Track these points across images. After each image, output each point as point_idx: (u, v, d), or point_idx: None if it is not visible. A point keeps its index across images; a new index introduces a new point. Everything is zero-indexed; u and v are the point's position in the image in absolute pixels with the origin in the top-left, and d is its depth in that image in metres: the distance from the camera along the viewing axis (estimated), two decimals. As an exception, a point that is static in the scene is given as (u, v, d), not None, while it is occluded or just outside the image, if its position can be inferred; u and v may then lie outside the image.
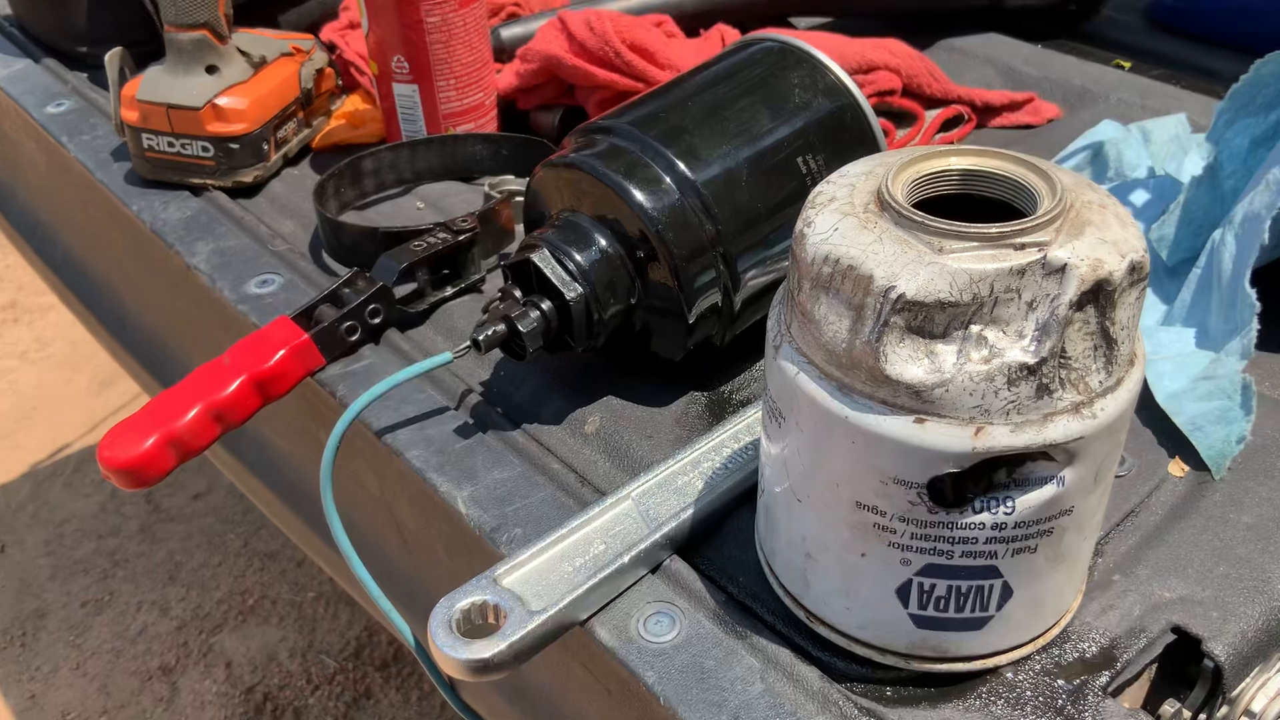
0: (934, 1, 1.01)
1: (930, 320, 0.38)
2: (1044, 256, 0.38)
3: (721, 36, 0.85)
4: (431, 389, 0.62)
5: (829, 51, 0.85)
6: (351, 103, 0.91)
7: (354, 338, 0.64)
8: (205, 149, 0.79)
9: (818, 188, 0.43)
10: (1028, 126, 0.89)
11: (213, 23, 0.78)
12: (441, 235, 0.68)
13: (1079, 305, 0.38)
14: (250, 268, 0.73)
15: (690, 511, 0.51)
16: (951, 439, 0.39)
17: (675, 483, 0.53)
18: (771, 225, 0.59)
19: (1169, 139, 0.77)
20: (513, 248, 0.73)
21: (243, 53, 0.82)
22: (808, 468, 0.43)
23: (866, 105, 0.62)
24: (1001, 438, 0.39)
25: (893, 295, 0.38)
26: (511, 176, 0.80)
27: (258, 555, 1.67)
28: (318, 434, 0.68)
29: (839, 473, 0.42)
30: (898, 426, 0.39)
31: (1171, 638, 0.47)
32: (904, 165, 0.42)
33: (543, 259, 0.57)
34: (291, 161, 0.86)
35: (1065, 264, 0.38)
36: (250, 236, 0.76)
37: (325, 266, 0.74)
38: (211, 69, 0.80)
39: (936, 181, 0.43)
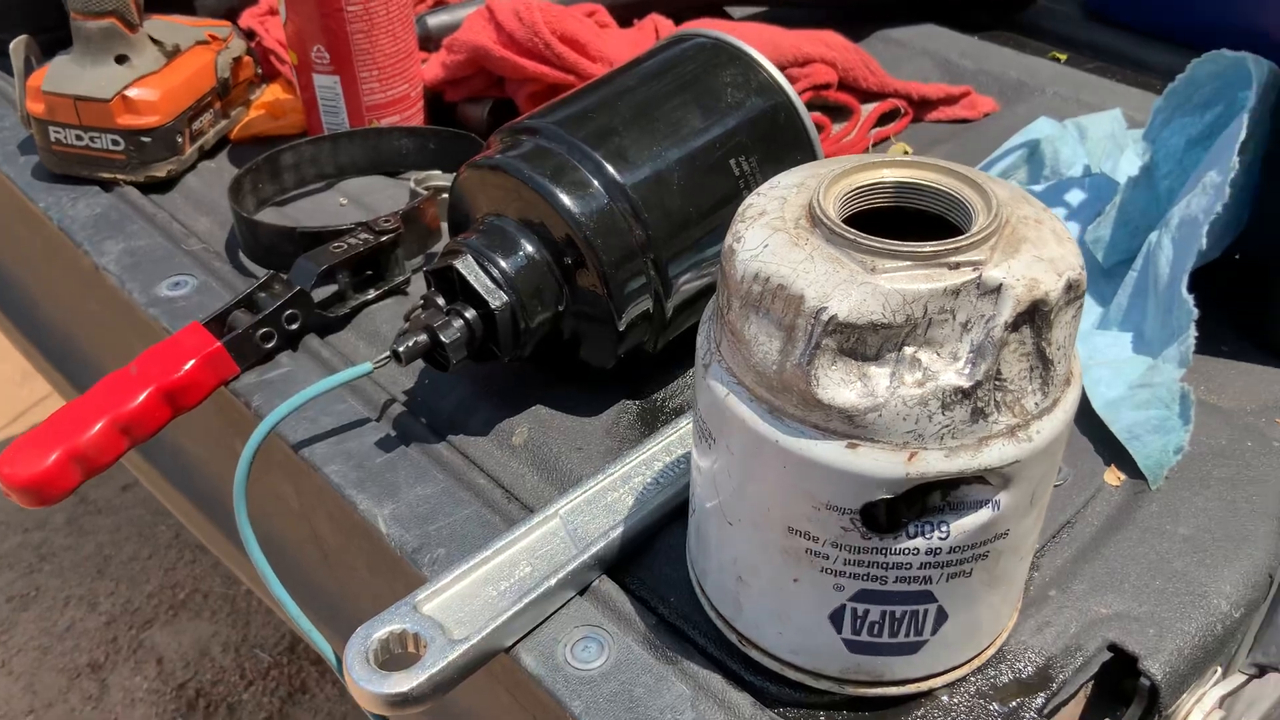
0: (871, -8, 0.99)
1: (863, 342, 0.37)
2: (979, 276, 0.36)
3: (655, 28, 0.83)
4: (352, 399, 0.59)
5: (763, 44, 0.84)
6: (271, 92, 0.88)
7: (270, 345, 0.62)
8: (115, 142, 0.76)
9: (747, 200, 0.42)
10: (964, 120, 0.88)
11: (122, 10, 0.75)
12: (363, 236, 0.66)
13: (1014, 326, 0.37)
14: (162, 268, 0.70)
15: (620, 530, 0.50)
16: (885, 465, 0.37)
17: (605, 499, 0.51)
18: (704, 229, 0.57)
19: (1104, 135, 0.77)
20: (438, 248, 0.71)
21: (155, 41, 0.78)
22: (738, 490, 0.41)
23: (800, 104, 0.61)
24: (936, 463, 0.37)
25: (824, 317, 0.36)
26: (438, 172, 0.77)
27: (189, 548, 1.63)
28: (233, 444, 0.65)
29: (770, 497, 0.40)
30: (830, 451, 0.38)
31: (1108, 656, 0.46)
32: (836, 178, 0.41)
33: (466, 266, 0.55)
34: (208, 154, 0.83)
35: (1000, 284, 0.36)
36: (163, 235, 0.73)
37: (242, 268, 0.71)
38: (121, 59, 0.76)
39: (870, 194, 0.41)
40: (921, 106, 0.88)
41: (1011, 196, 0.40)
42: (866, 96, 0.87)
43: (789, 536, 0.41)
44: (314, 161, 0.78)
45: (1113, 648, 0.46)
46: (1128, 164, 0.71)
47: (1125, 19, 1.04)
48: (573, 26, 0.77)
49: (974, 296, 0.36)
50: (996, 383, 0.37)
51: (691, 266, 0.57)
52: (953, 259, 0.37)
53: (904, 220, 0.41)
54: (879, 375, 0.37)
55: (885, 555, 0.40)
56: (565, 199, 0.54)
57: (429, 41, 0.86)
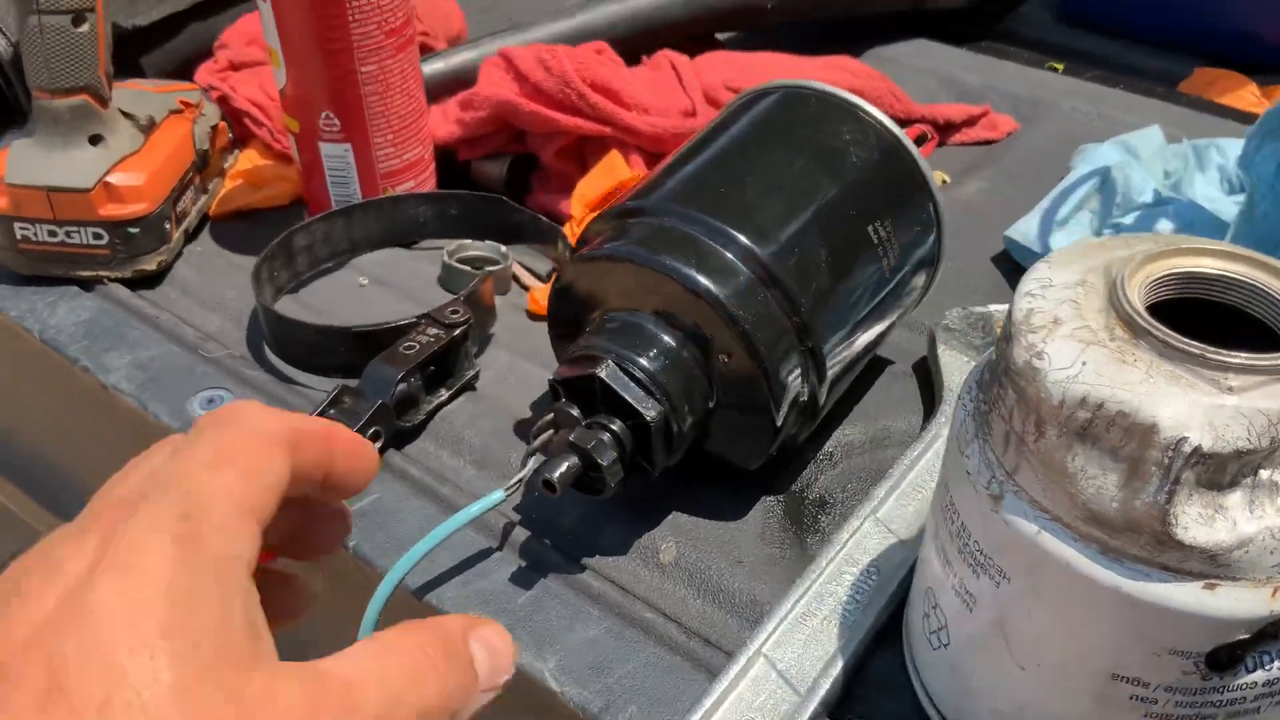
0: (858, 8, 0.95)
1: (1221, 471, 0.32)
2: (1348, 388, 0.32)
3: (672, 64, 0.77)
4: (466, 527, 0.52)
5: (784, 73, 0.79)
6: (248, 159, 0.79)
7: (354, 471, 0.54)
8: (98, 236, 0.66)
9: (1021, 306, 0.36)
10: (987, 142, 0.85)
11: (95, 85, 0.65)
12: (433, 332, 0.58)
13: (1381, 438, 0.33)
14: (185, 382, 0.61)
15: (839, 665, 0.44)
16: (1247, 604, 0.33)
17: (805, 628, 0.46)
18: (851, 308, 0.52)
19: (1153, 156, 0.74)
20: (494, 330, 0.64)
21: (126, 115, 0.69)
22: (1043, 635, 0.37)
23: (920, 157, 0.56)
24: (1304, 597, 0.33)
25: (1185, 448, 0.32)
26: (470, 241, 0.70)
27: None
28: (335, 600, 0.56)
29: (1093, 644, 0.36)
30: (1184, 595, 0.33)
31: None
32: (1135, 270, 0.36)
33: (612, 375, 0.48)
34: (191, 236, 0.73)
35: (1370, 394, 0.32)
36: (173, 340, 0.64)
37: (277, 372, 0.62)
38: (96, 139, 0.66)
39: (1174, 287, 0.37)
40: (945, 130, 0.84)
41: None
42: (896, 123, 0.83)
43: (1110, 684, 0.36)
44: (327, 240, 0.69)
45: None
46: (1204, 187, 0.69)
47: (1102, 22, 1.04)
48: (604, 74, 0.70)
49: (1344, 410, 0.32)
50: (1364, 502, 0.33)
51: (840, 348, 0.52)
52: (1319, 371, 0.33)
53: (1187, 309, 0.37)
54: (1237, 506, 0.33)
55: (1221, 694, 0.36)
56: (714, 287, 0.48)
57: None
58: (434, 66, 0.78)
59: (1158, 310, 0.37)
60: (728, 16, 0.88)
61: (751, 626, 0.48)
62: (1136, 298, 0.35)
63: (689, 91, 0.75)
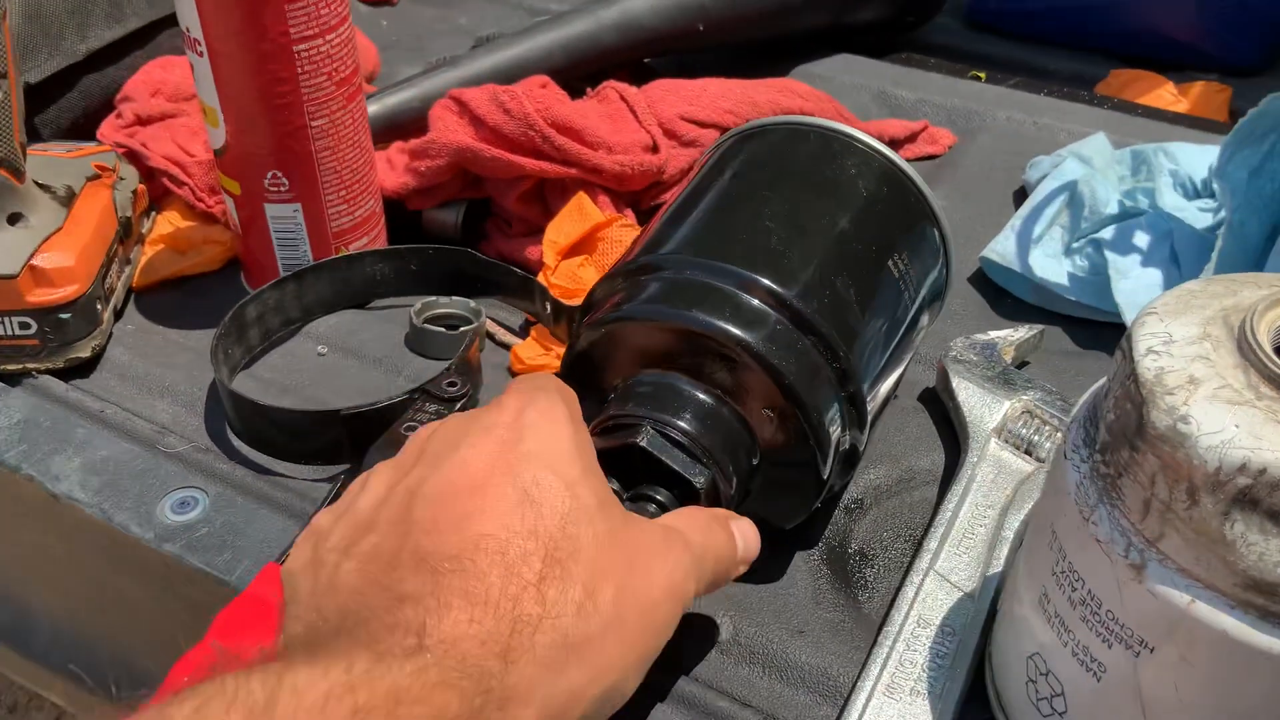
0: (783, 27, 0.94)
1: (1387, 527, 0.31)
2: None
3: (621, 96, 0.74)
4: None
5: (739, 102, 0.77)
6: (167, 220, 0.72)
7: (370, 572, 0.49)
8: (25, 325, 0.59)
9: (1149, 365, 0.35)
10: (930, 157, 0.84)
11: (11, 159, 0.58)
12: (432, 408, 0.54)
13: None
14: (150, 485, 0.55)
15: (940, 740, 0.42)
16: None
17: (895, 702, 0.44)
18: (882, 348, 0.50)
19: (1105, 165, 0.75)
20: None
21: (42, 187, 0.62)
22: (1190, 704, 0.35)
23: (924, 185, 0.55)
24: None
25: (1359, 510, 0.31)
26: (435, 298, 0.65)
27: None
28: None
29: (1248, 709, 0.34)
30: (1354, 656, 0.32)
31: None
32: (1258, 322, 0.35)
33: (653, 442, 0.45)
34: (118, 313, 0.67)
35: None
36: (125, 436, 0.57)
37: (252, 464, 0.57)
38: (15, 218, 0.59)
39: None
40: (890, 146, 0.83)
41: None
42: (842, 145, 0.81)
43: (1262, 746, 0.35)
44: (279, 308, 0.64)
45: None
46: (1170, 196, 0.69)
47: (1009, 27, 1.05)
48: (564, 112, 0.67)
49: None
50: None
51: (875, 390, 0.50)
52: None
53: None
54: (1401, 560, 0.32)
55: (1374, 745, 0.35)
56: (751, 338, 0.45)
57: (359, 140, 0.73)
58: (371, 110, 0.73)
59: None
60: (662, 40, 0.86)
61: (829, 703, 0.45)
62: (1266, 345, 0.34)
63: (645, 125, 0.71)
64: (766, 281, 0.47)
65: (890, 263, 0.51)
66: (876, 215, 0.52)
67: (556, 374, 0.49)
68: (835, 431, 0.48)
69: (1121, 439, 0.35)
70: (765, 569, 0.51)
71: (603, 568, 0.37)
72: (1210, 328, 0.36)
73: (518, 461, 0.37)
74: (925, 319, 0.55)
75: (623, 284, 0.49)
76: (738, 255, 0.48)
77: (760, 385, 0.46)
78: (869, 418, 0.49)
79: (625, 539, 0.38)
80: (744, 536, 0.44)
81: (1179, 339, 0.35)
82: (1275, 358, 0.33)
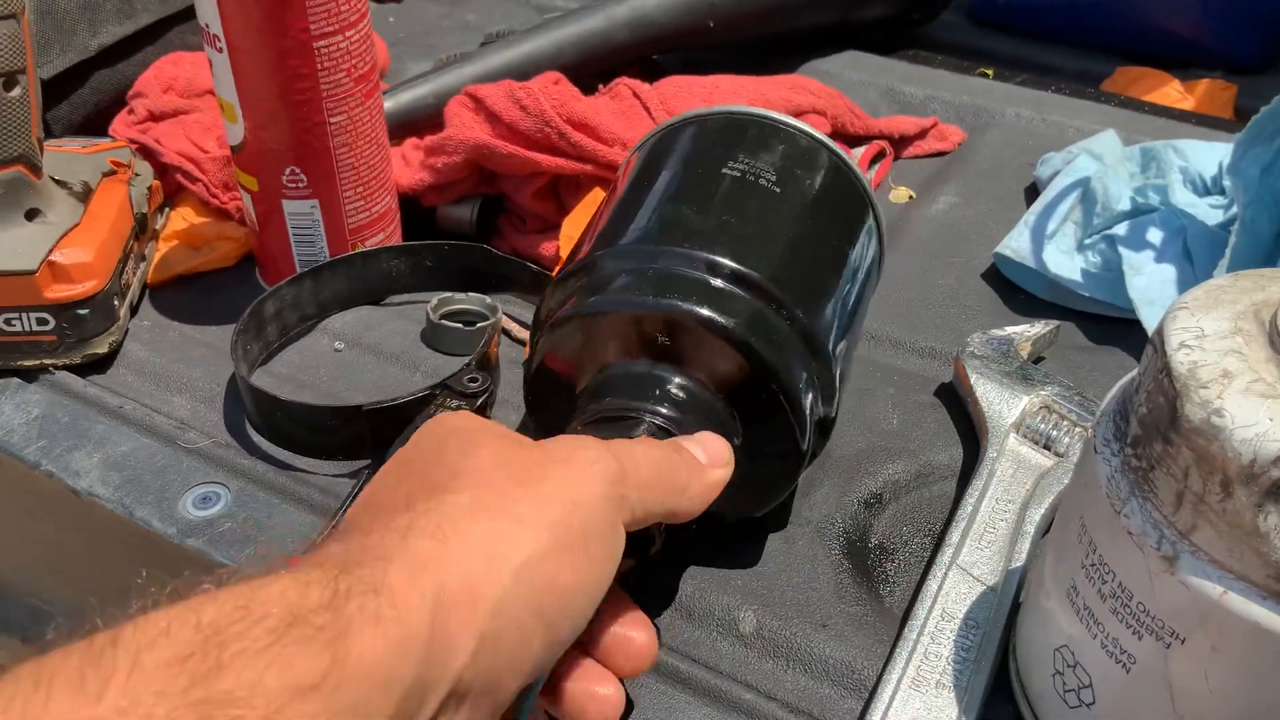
0: (790, 26, 0.94)
1: None
2: None
3: (634, 92, 0.74)
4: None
5: (754, 99, 0.77)
6: (181, 217, 0.72)
7: (395, 567, 0.49)
8: (43, 321, 0.59)
9: (1182, 360, 0.35)
10: (940, 154, 0.85)
11: (29, 155, 0.58)
12: (454, 404, 0.54)
13: None
14: (172, 480, 0.55)
15: (968, 733, 0.43)
16: None
17: (920, 696, 0.44)
18: (839, 313, 0.50)
19: (1117, 162, 0.75)
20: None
21: (59, 183, 0.62)
22: (1221, 694, 0.35)
23: (842, 152, 0.54)
24: None
25: (1393, 501, 0.31)
26: (451, 294, 0.65)
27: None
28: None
29: (1278, 699, 0.35)
30: (1387, 646, 0.33)
31: None
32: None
33: (652, 432, 0.45)
34: (134, 309, 0.67)
35: None
36: (144, 432, 0.57)
37: (271, 458, 0.57)
38: (33, 214, 0.59)
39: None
40: (899, 144, 0.84)
41: None
42: (853, 140, 0.82)
43: (1293, 735, 0.35)
44: (295, 305, 0.64)
45: None
46: (1182, 193, 0.69)
47: (1014, 23, 1.05)
48: (580, 109, 0.67)
49: None
50: None
51: (838, 356, 0.50)
52: None
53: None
54: None
55: (1403, 735, 0.35)
56: (719, 316, 0.45)
57: (372, 136, 0.73)
58: (385, 106, 0.73)
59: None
60: (672, 36, 0.86)
61: (854, 696, 0.46)
62: (1301, 341, 0.34)
63: (658, 122, 0.71)
64: (721, 259, 0.46)
65: (838, 238, 0.52)
66: (813, 189, 0.52)
67: (524, 381, 0.49)
68: (809, 399, 0.47)
69: (1154, 432, 0.36)
70: (787, 564, 0.51)
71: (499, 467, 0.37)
72: (1241, 322, 0.36)
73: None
74: (869, 292, 0.55)
75: (574, 284, 0.49)
76: (687, 238, 0.48)
77: (732, 361, 0.46)
78: (837, 387, 0.49)
79: (526, 454, 0.39)
80: (704, 445, 0.43)
81: (1211, 333, 0.36)
82: (1308, 352, 0.34)
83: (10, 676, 0.27)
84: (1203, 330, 0.36)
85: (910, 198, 0.80)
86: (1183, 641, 0.36)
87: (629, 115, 0.72)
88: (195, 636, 0.28)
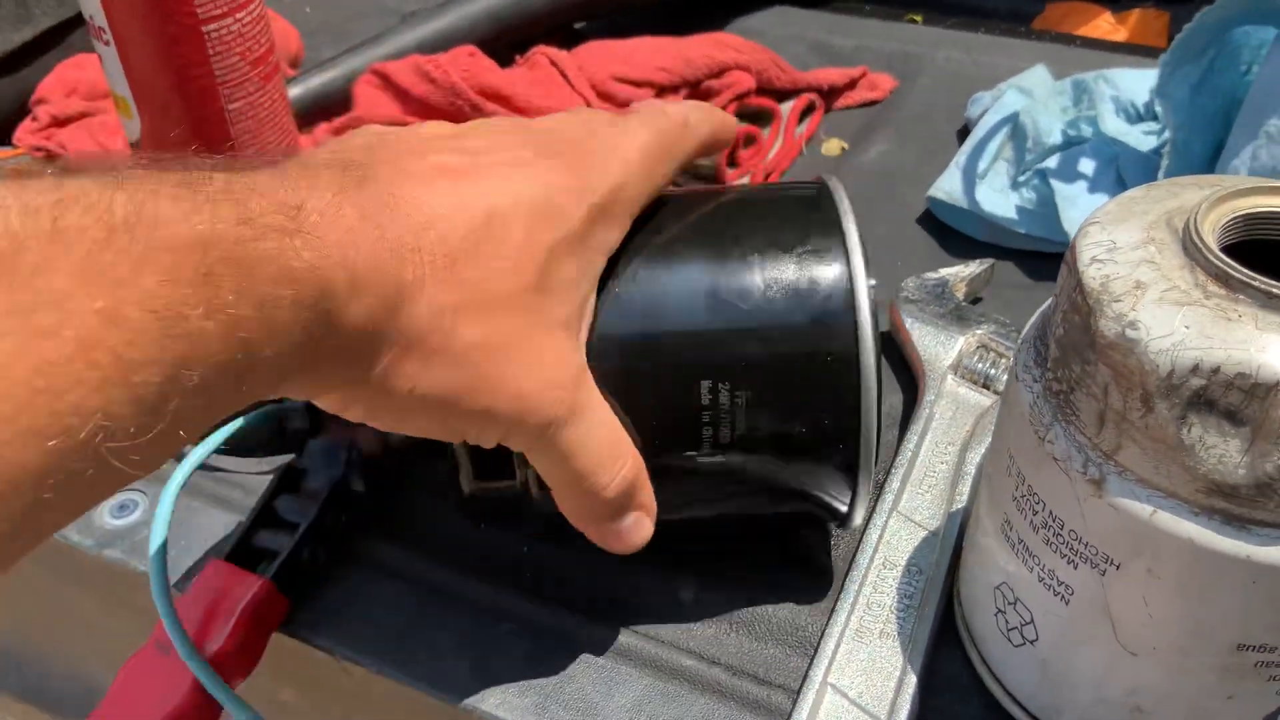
0: (714, -19, 0.92)
1: (1345, 418, 0.30)
2: None
3: (551, 60, 0.72)
4: (467, 610, 0.46)
5: (673, 58, 0.75)
6: (93, 223, 0.70)
7: (319, 560, 0.47)
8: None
9: (1089, 274, 0.34)
10: (871, 103, 0.83)
11: (-85, 163, 0.56)
12: (373, 389, 0.52)
13: None
14: (88, 490, 0.53)
15: (913, 682, 0.41)
16: (1383, 551, 0.31)
17: (864, 647, 0.42)
18: None
19: (1048, 96, 0.74)
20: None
21: (-46, 193, 0.59)
22: (1161, 619, 0.34)
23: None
24: None
25: (1314, 401, 0.30)
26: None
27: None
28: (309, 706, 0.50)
29: (1218, 618, 0.33)
30: (1321, 553, 0.31)
31: None
32: (1203, 221, 0.34)
33: None
34: (47, 319, 0.64)
35: None
36: (59, 443, 0.55)
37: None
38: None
39: (1234, 230, 0.35)
40: (830, 95, 0.82)
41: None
42: (780, 95, 0.80)
43: (1234, 654, 0.34)
44: (212, 301, 0.62)
45: None
46: (1113, 122, 0.68)
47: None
48: (494, 79, 0.65)
49: None
50: None
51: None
52: None
53: (1247, 256, 0.35)
54: (1362, 452, 0.31)
55: (1347, 644, 0.34)
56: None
57: (285, 124, 0.71)
58: (294, 92, 0.71)
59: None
60: (591, 3, 0.84)
61: (799, 654, 0.44)
62: (1219, 250, 0.33)
63: (577, 89, 0.70)
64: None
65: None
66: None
67: None
68: None
69: (1072, 353, 0.34)
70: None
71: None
72: (1154, 231, 0.34)
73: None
74: None
75: None
76: None
77: None
78: None
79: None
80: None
81: (1123, 245, 0.34)
82: (1221, 254, 0.32)
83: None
84: (1114, 243, 0.35)
85: (843, 149, 0.78)
86: (1118, 567, 0.34)
87: (546, 84, 0.70)
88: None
